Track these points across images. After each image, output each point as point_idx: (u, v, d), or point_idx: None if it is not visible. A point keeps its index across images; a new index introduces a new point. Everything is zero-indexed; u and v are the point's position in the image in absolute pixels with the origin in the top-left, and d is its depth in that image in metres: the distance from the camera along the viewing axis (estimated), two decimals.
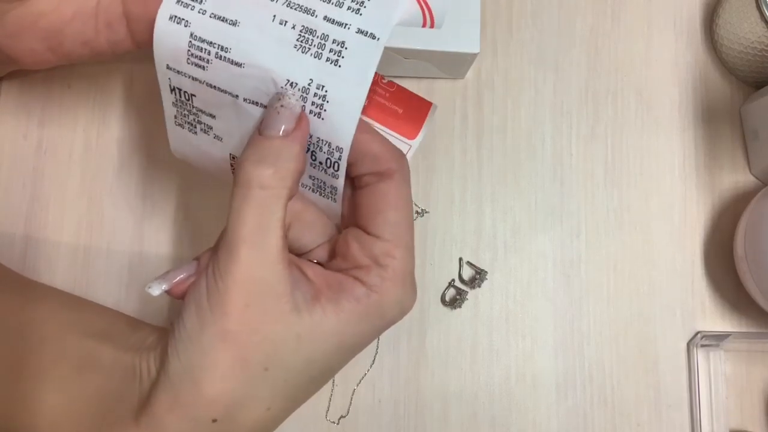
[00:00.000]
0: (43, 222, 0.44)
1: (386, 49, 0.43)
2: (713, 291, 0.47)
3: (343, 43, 0.29)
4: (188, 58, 0.31)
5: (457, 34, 0.43)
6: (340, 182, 0.32)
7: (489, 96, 0.48)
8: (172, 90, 0.33)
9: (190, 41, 0.31)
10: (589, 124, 0.49)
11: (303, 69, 0.30)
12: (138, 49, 0.35)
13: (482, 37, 0.44)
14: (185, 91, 0.33)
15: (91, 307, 0.37)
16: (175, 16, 0.31)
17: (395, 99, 0.41)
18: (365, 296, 0.30)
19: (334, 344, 0.30)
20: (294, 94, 0.30)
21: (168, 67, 0.32)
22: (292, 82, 0.30)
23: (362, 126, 0.31)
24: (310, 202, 0.34)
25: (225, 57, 0.31)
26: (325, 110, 0.30)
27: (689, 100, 0.49)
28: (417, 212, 0.46)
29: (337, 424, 0.43)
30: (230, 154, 0.35)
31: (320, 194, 0.34)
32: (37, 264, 0.44)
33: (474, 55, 0.44)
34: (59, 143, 0.45)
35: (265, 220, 0.29)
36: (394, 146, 0.32)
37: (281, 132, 0.30)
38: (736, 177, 0.49)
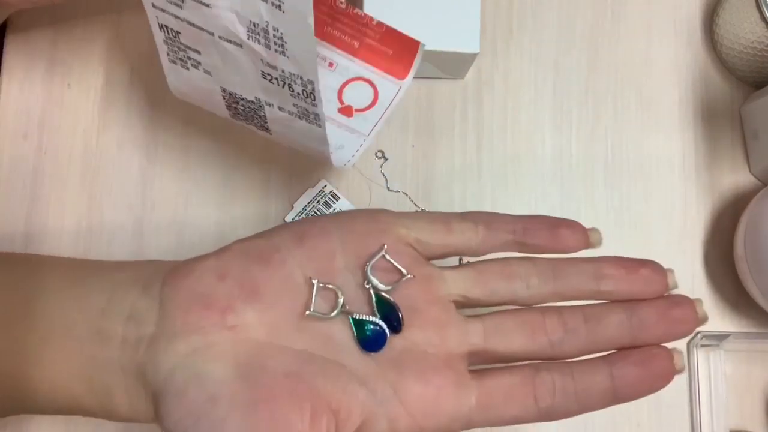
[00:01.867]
0: (43, 222, 0.44)
1: None
2: (713, 291, 0.47)
3: None
4: None
5: (457, 34, 0.43)
6: (321, 109, 0.33)
7: (489, 96, 0.48)
8: (161, 27, 0.34)
9: None
10: (589, 124, 0.49)
11: (257, 11, 0.31)
12: None
13: (482, 37, 0.44)
14: (171, 28, 0.34)
15: (94, 274, 0.35)
16: None
17: (385, 40, 0.41)
18: None
19: None
20: None
21: (154, 6, 0.33)
22: (254, 23, 0.31)
23: None
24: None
25: None
26: (286, 49, 0.31)
27: (689, 100, 0.49)
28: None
29: None
30: (221, 87, 0.36)
31: (306, 120, 0.35)
32: None
33: (474, 55, 0.44)
34: (59, 143, 0.45)
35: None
36: None
37: None
38: (736, 177, 0.49)
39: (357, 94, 0.40)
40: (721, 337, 0.44)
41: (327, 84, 0.40)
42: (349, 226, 0.32)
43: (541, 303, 0.32)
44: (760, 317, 0.47)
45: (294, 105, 0.35)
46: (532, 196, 0.47)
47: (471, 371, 0.32)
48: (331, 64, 0.41)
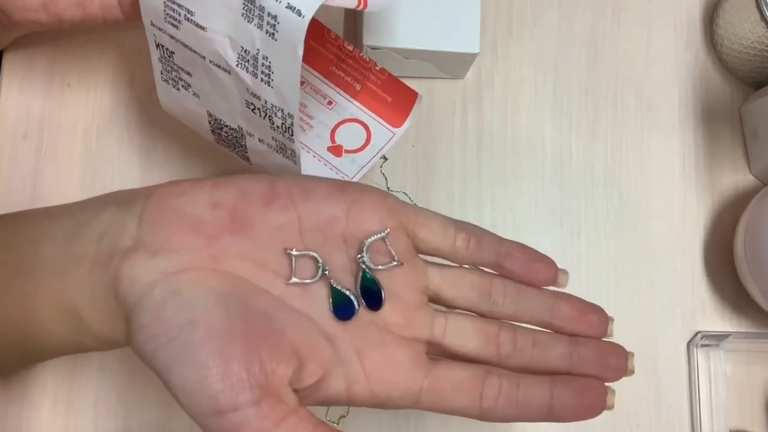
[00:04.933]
0: None
1: (386, 48, 0.43)
2: (713, 291, 0.47)
3: (275, 17, 0.30)
4: (165, 17, 0.33)
5: (457, 34, 0.43)
6: (297, 146, 0.34)
7: (489, 96, 0.48)
8: (157, 46, 0.35)
9: (165, 1, 0.32)
10: (589, 124, 0.49)
11: (251, 38, 0.31)
12: (126, 20, 0.36)
13: (482, 37, 0.44)
14: (167, 48, 0.35)
15: (66, 208, 0.34)
16: None
17: (386, 87, 0.41)
18: None
19: None
20: None
21: (152, 24, 0.34)
22: (246, 50, 0.32)
23: None
24: None
25: (191, 19, 0.32)
26: (272, 79, 0.32)
27: (689, 100, 0.49)
28: None
29: (337, 423, 0.43)
30: (207, 111, 0.36)
31: (282, 155, 0.36)
32: None
33: (474, 55, 0.44)
34: (59, 143, 0.45)
35: None
36: None
37: None
38: (736, 177, 0.49)
39: (350, 135, 0.41)
40: (721, 337, 0.44)
41: (322, 121, 0.41)
42: (358, 197, 0.33)
43: (498, 319, 0.35)
44: (760, 317, 0.47)
45: (273, 138, 0.35)
46: (532, 196, 0.47)
47: (428, 357, 0.34)
48: (330, 103, 0.41)
